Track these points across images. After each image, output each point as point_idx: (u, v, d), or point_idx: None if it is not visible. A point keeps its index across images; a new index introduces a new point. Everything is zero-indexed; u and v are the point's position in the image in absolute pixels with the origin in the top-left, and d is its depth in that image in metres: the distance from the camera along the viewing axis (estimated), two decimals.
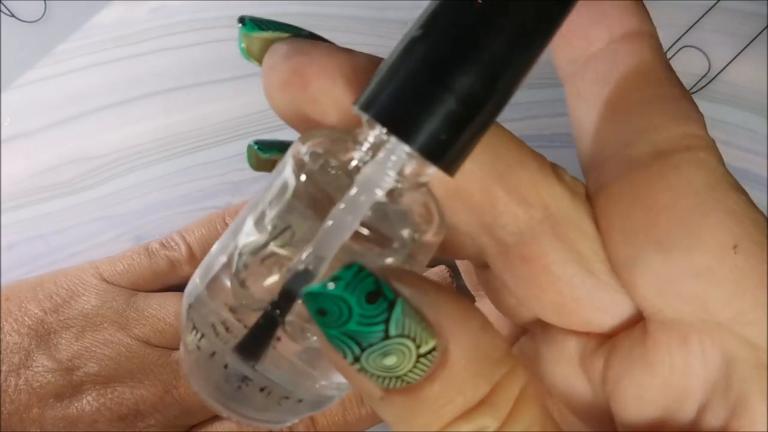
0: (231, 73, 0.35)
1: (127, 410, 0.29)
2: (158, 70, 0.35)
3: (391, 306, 0.14)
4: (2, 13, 0.36)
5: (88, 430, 0.29)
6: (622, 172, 0.17)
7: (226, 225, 0.33)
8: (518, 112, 0.35)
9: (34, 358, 0.29)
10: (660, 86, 0.17)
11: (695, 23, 0.35)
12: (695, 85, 0.35)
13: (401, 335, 0.14)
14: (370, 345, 0.14)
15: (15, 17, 0.36)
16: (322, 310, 0.14)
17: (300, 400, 0.17)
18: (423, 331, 0.14)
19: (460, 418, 0.15)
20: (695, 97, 0.38)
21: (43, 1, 0.36)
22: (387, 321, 0.14)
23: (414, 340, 0.14)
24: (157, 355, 0.30)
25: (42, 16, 0.36)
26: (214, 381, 0.16)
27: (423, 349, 0.14)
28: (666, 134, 0.16)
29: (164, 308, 0.31)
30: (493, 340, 0.15)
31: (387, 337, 0.14)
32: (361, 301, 0.14)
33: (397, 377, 0.15)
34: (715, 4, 0.35)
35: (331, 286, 0.14)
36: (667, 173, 0.16)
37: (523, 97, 0.35)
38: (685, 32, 0.35)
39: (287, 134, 0.35)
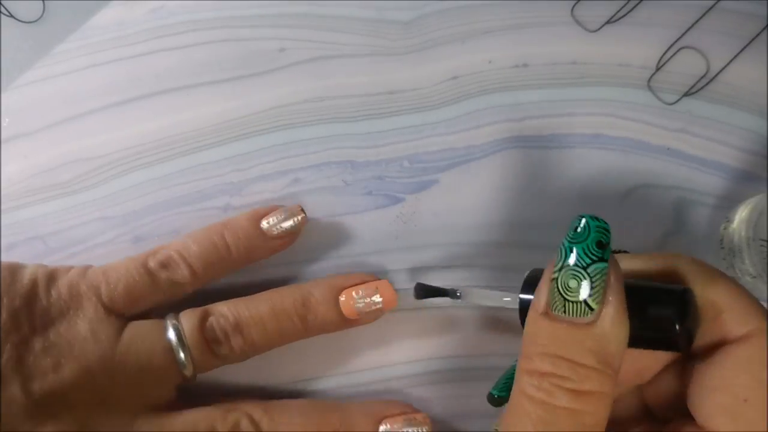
0: (230, 74, 0.35)
1: None
2: (157, 71, 0.35)
3: (601, 259, 0.22)
4: (1, 14, 0.36)
5: None
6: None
7: (226, 242, 0.32)
8: (518, 112, 0.35)
9: (8, 381, 0.28)
10: None
11: (695, 23, 0.35)
12: (694, 85, 0.35)
13: (591, 277, 0.22)
14: (574, 265, 0.22)
15: (14, 17, 0.36)
16: (576, 226, 0.23)
17: None
18: (600, 291, 0.22)
19: (561, 359, 0.22)
20: (695, 98, 0.38)
21: (42, 2, 0.36)
22: (592, 264, 0.22)
23: (592, 288, 0.22)
24: (120, 423, 0.29)
25: (41, 17, 0.36)
26: None
27: (589, 300, 0.22)
28: None
29: (150, 346, 0.30)
30: (622, 353, 0.22)
31: (584, 268, 0.22)
32: (594, 240, 0.22)
33: (564, 300, 0.22)
34: (715, 4, 0.35)
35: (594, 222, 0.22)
36: None
37: (523, 97, 0.35)
38: (685, 32, 0.35)
39: (287, 134, 0.35)
